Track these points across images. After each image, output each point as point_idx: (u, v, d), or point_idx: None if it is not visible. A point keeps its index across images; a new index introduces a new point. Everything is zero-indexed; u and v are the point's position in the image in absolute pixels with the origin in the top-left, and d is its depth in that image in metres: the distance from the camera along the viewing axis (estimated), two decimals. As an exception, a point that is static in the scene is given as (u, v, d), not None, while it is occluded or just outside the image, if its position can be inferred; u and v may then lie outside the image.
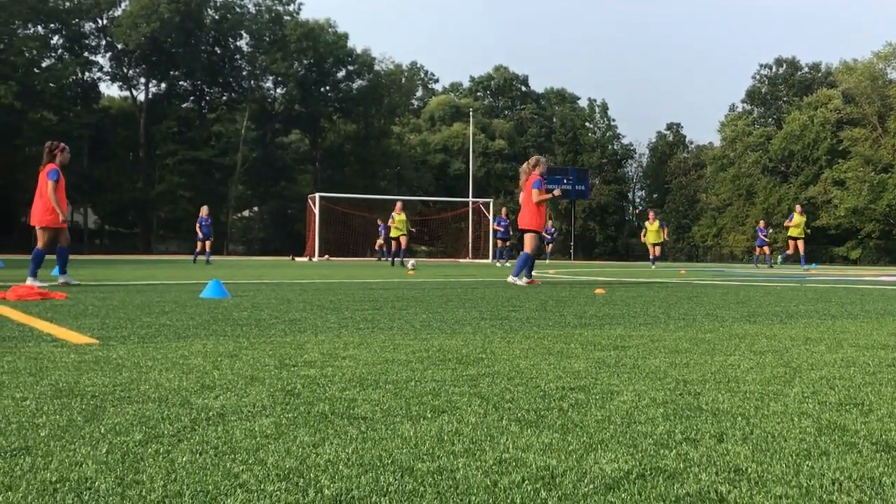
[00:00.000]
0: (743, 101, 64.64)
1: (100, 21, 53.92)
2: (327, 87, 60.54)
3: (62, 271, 9.08)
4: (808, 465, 1.82)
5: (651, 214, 26.02)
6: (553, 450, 1.93)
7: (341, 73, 60.94)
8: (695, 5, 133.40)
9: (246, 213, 63.29)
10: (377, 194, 48.18)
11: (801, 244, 24.05)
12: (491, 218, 37.49)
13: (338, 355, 3.54)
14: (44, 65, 51.79)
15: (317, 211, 37.84)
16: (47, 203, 8.96)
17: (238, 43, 57.70)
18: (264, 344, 3.92)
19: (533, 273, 11.37)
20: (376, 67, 61.80)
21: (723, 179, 60.43)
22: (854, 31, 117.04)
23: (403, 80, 69.45)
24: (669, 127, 72.68)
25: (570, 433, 2.10)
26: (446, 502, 1.54)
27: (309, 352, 3.65)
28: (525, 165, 11.07)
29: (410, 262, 21.51)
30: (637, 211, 72.81)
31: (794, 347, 4.03)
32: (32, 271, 8.81)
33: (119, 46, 53.81)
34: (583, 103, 74.32)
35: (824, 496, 1.60)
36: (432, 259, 41.41)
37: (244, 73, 58.26)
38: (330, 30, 58.87)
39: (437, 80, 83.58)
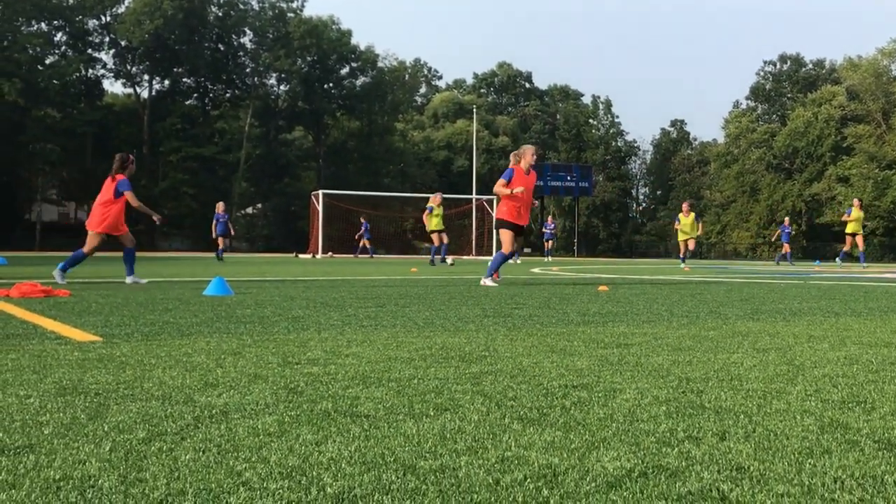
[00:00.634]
0: (747, 98, 64.63)
1: (103, 18, 53.99)
2: (331, 84, 60.57)
3: (130, 272, 9.24)
4: (810, 464, 1.82)
5: (685, 206, 22.30)
6: (555, 448, 1.93)
7: (345, 70, 60.98)
8: (699, 2, 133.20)
9: (249, 210, 63.38)
10: (381, 191, 48.19)
11: (860, 240, 22.31)
12: (493, 216, 37.48)
13: (341, 353, 3.54)
14: (47, 62, 51.91)
15: (320, 208, 37.86)
16: (109, 210, 9.13)
17: (241, 40, 57.80)
18: (267, 341, 3.92)
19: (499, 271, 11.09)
20: (380, 64, 61.85)
21: (727, 176, 60.39)
22: (858, 28, 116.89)
23: (407, 76, 69.53)
24: (673, 124, 72.73)
25: (573, 431, 2.10)
26: (448, 500, 1.55)
27: (312, 349, 3.65)
28: (512, 154, 10.35)
29: (450, 259, 21.49)
30: (640, 208, 72.65)
31: (797, 345, 4.02)
32: (64, 266, 8.92)
33: (122, 43, 53.89)
34: (586, 100, 74.38)
35: (826, 494, 1.60)
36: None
37: (247, 69, 58.32)
38: (333, 27, 58.90)
39: (440, 77, 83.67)
